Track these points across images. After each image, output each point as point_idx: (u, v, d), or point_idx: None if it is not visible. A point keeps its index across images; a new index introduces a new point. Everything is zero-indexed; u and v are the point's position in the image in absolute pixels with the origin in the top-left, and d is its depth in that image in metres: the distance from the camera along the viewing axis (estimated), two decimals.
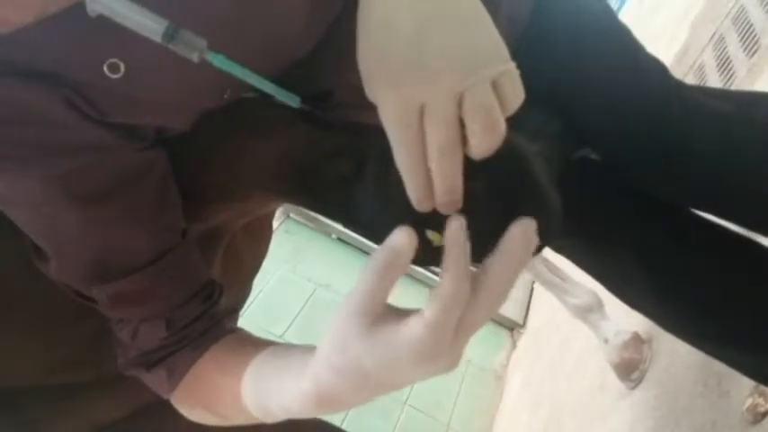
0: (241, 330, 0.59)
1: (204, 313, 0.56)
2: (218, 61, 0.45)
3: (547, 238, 0.51)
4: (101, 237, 0.52)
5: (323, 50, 0.57)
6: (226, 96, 0.55)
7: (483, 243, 0.37)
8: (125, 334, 0.56)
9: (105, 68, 0.45)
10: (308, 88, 0.58)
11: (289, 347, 0.49)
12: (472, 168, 0.40)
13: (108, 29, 0.41)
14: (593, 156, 0.79)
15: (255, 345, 0.53)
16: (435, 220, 0.42)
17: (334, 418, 1.97)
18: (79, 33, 0.43)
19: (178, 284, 0.56)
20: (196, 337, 0.56)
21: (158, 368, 0.56)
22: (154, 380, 0.56)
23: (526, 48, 0.64)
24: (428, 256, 0.43)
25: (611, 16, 0.76)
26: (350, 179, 0.54)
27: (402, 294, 2.52)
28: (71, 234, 0.52)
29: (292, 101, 0.55)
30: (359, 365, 0.37)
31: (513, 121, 0.40)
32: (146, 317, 0.55)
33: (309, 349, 0.43)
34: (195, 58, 0.43)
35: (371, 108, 0.41)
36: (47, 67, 0.44)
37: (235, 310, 0.60)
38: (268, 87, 0.51)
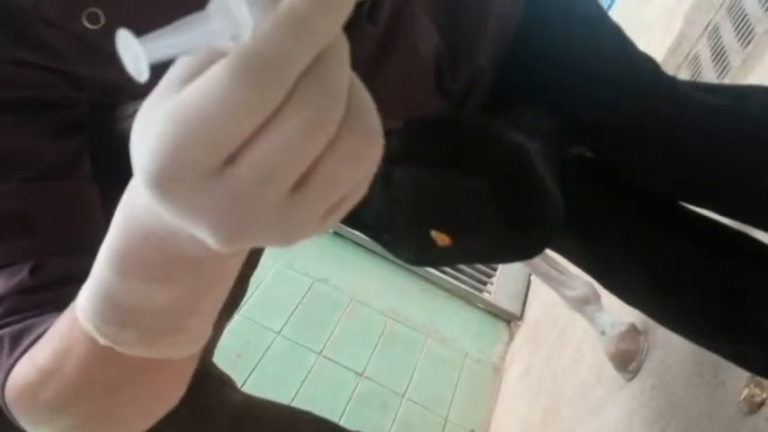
0: None
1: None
2: None
3: (549, 234, 0.52)
4: None
5: None
6: None
7: (487, 239, 0.37)
8: None
9: (84, 18, 0.41)
10: None
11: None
12: (474, 166, 0.40)
13: None
14: (588, 153, 0.80)
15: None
16: (440, 220, 0.42)
17: (334, 416, 1.97)
18: None
19: (60, 224, 0.47)
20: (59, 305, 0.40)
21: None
22: None
23: (521, 47, 0.64)
24: (433, 255, 0.43)
25: (602, 14, 0.76)
26: None
27: (405, 292, 2.50)
28: None
29: None
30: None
31: (510, 119, 0.40)
32: (9, 259, 0.45)
33: None
34: None
35: None
36: None
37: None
38: None
